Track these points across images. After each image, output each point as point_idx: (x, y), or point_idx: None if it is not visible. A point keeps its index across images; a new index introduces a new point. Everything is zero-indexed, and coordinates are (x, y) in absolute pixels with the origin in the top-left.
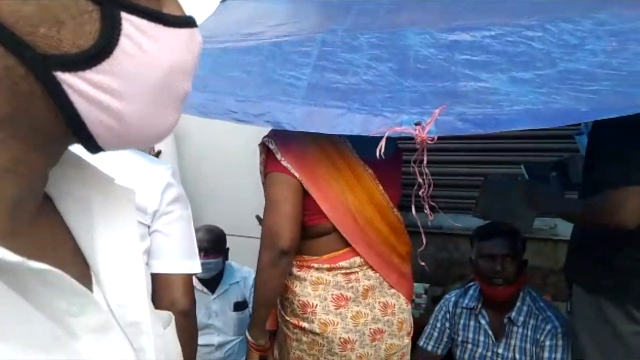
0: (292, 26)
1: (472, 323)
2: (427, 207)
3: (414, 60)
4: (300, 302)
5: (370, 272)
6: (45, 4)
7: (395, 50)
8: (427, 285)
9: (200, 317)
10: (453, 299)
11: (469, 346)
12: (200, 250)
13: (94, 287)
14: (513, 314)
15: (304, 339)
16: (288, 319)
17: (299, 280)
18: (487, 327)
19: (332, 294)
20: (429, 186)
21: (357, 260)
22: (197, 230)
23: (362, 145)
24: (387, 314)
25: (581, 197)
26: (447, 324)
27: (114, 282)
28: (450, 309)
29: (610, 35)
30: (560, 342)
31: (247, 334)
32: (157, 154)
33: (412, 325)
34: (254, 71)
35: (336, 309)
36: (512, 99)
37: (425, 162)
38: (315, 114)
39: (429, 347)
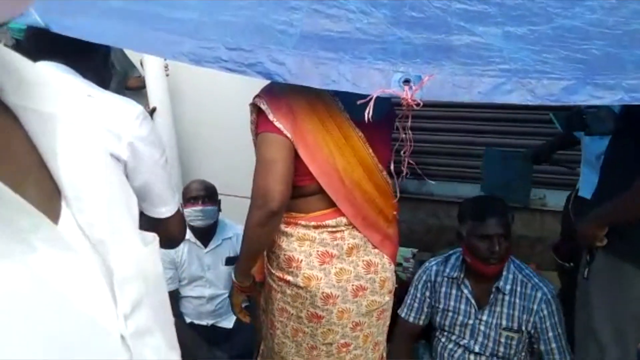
0: None
1: (453, 292)
2: (404, 168)
3: (409, 8)
4: (286, 256)
5: (356, 232)
6: None
7: None
8: (415, 250)
9: (193, 269)
10: (434, 267)
11: (450, 314)
12: (197, 198)
13: (62, 204)
14: (500, 283)
15: (288, 291)
16: (273, 271)
17: (285, 235)
18: (469, 296)
19: (317, 251)
20: (411, 148)
21: (344, 219)
22: (191, 182)
23: (354, 105)
24: (370, 272)
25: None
26: (427, 293)
27: (82, 201)
28: (432, 277)
29: None
30: (554, 307)
31: (232, 276)
32: (152, 111)
33: (394, 284)
34: (246, 14)
35: (320, 264)
36: (503, 56)
37: (409, 124)
38: (307, 65)
39: (410, 319)
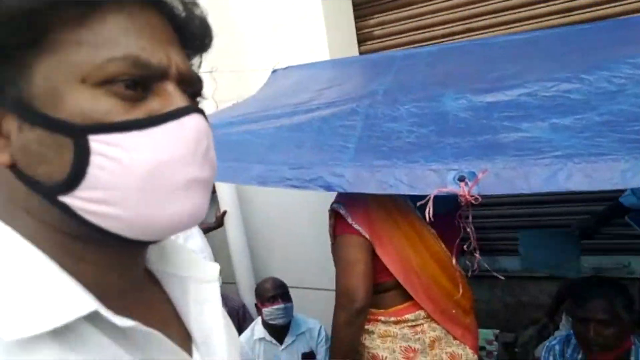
0: (335, 90)
1: None
2: (477, 257)
3: (453, 122)
4: (370, 354)
5: (435, 324)
6: (35, 148)
7: (434, 116)
8: (497, 331)
9: None
10: (557, 347)
11: None
12: (276, 297)
13: (194, 351)
14: None
15: None
16: None
17: (367, 333)
18: None
19: (400, 346)
20: (476, 244)
21: (422, 313)
22: (264, 281)
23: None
24: None
25: None
26: None
27: (208, 346)
28: (558, 358)
29: None
30: None
31: None
32: (223, 214)
33: None
34: (306, 144)
35: None
36: (554, 145)
37: (470, 218)
38: (363, 174)
39: None
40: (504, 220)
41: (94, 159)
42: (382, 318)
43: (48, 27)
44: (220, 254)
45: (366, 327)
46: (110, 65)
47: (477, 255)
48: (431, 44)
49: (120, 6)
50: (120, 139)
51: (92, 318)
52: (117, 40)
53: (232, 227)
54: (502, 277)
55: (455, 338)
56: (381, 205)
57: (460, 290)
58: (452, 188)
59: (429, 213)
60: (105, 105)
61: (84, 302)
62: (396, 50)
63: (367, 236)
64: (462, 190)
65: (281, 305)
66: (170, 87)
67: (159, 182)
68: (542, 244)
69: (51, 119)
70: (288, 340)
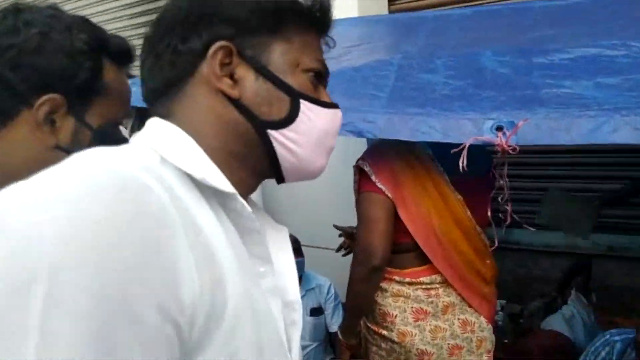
0: (365, 48)
1: None
2: (509, 211)
3: (491, 77)
4: (381, 311)
5: (451, 290)
6: (265, 94)
7: (471, 70)
8: (503, 302)
9: None
10: (619, 345)
11: None
12: None
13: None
14: None
15: (383, 345)
16: (369, 325)
17: (380, 290)
18: None
19: (412, 307)
20: (508, 195)
21: (438, 277)
22: None
23: (453, 168)
24: (466, 331)
25: None
26: None
27: (281, 276)
28: (615, 356)
29: None
30: None
31: (340, 335)
32: None
33: (494, 344)
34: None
35: (415, 321)
36: (599, 102)
37: (506, 169)
38: (396, 121)
39: None
40: (522, 193)
41: (301, 114)
42: (397, 278)
43: (284, 25)
44: None
45: (381, 284)
46: (313, 62)
47: (509, 208)
48: (463, 6)
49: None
50: (316, 108)
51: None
52: (314, 48)
53: None
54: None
55: (470, 306)
56: (408, 166)
57: (483, 259)
58: (488, 137)
59: (462, 163)
60: (306, 84)
61: (229, 185)
62: (427, 12)
63: (390, 195)
64: (499, 139)
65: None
66: (323, 85)
67: (323, 141)
68: (563, 204)
69: (280, 80)
70: None
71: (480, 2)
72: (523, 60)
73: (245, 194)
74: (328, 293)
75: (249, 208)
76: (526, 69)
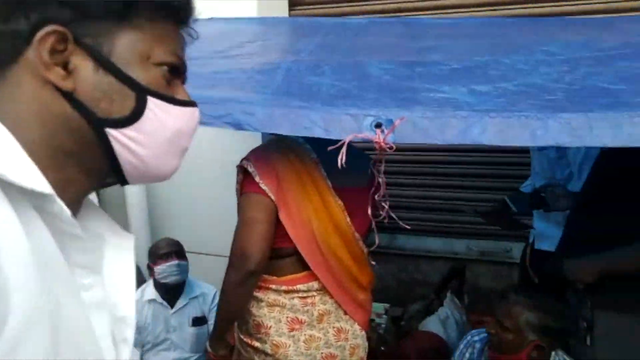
0: (258, 44)
1: None
2: (386, 207)
3: (375, 82)
4: (255, 322)
5: (327, 297)
6: (105, 89)
7: (357, 75)
8: (387, 305)
9: (158, 331)
10: (478, 345)
11: None
12: (170, 254)
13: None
14: None
15: (256, 358)
16: (242, 337)
17: (256, 300)
18: None
19: (287, 317)
20: (386, 194)
21: (315, 284)
22: (158, 240)
23: (336, 174)
24: (340, 339)
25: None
26: None
27: (113, 289)
28: (476, 356)
29: (561, 63)
30: None
31: (207, 346)
32: None
33: (367, 350)
34: (219, 86)
35: (290, 331)
36: (471, 105)
37: (383, 168)
38: (277, 114)
39: None
40: (406, 201)
41: (147, 112)
42: (274, 286)
43: (134, 13)
44: (116, 210)
45: (256, 294)
46: (168, 55)
47: (386, 206)
48: (361, 17)
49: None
50: (167, 106)
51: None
52: (171, 40)
53: (131, 185)
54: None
55: (345, 313)
56: (292, 169)
57: (360, 266)
58: (367, 134)
59: (341, 160)
60: (158, 80)
61: (45, 184)
62: (325, 18)
63: (272, 198)
64: (377, 136)
65: (175, 262)
66: (181, 80)
67: (174, 142)
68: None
69: (124, 74)
70: (180, 303)
71: (379, 14)
72: (406, 70)
73: (76, 195)
74: (213, 302)
75: (67, 211)
76: (409, 77)
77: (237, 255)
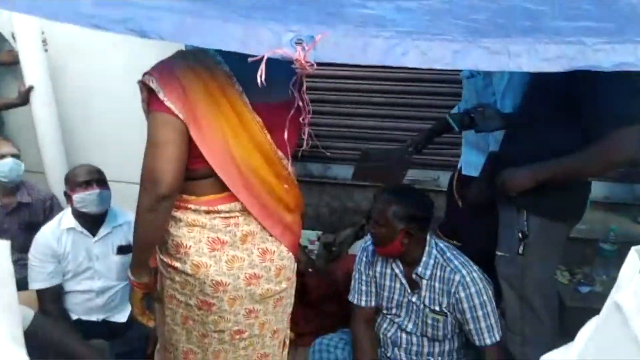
0: None
1: (388, 271)
2: (306, 131)
3: None
4: (174, 242)
5: (252, 218)
6: None
7: None
8: (319, 233)
9: (80, 260)
10: (370, 247)
11: (386, 292)
12: (90, 182)
13: None
14: (419, 269)
15: (177, 278)
16: (162, 257)
17: (174, 220)
18: (400, 275)
19: (208, 237)
20: (310, 117)
21: (238, 205)
22: (76, 167)
23: (253, 88)
24: (265, 260)
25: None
26: (371, 273)
27: None
28: (370, 257)
29: None
30: (473, 290)
31: (129, 274)
32: (28, 91)
33: (293, 272)
34: None
35: (210, 251)
36: (397, 23)
37: (305, 87)
38: (188, 23)
39: (362, 303)
40: (339, 130)
41: None
42: (193, 206)
43: None
44: (25, 137)
45: (174, 214)
46: None
47: (307, 129)
48: None
49: None
50: None
51: None
52: None
53: (40, 106)
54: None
55: (271, 235)
56: (200, 82)
57: (286, 187)
58: (287, 50)
59: (260, 76)
60: None
61: None
62: None
63: (180, 116)
64: (298, 53)
65: (95, 191)
66: None
67: None
68: (380, 159)
69: None
70: (102, 231)
71: None
72: None
73: None
74: None
75: None
76: None
77: (147, 179)
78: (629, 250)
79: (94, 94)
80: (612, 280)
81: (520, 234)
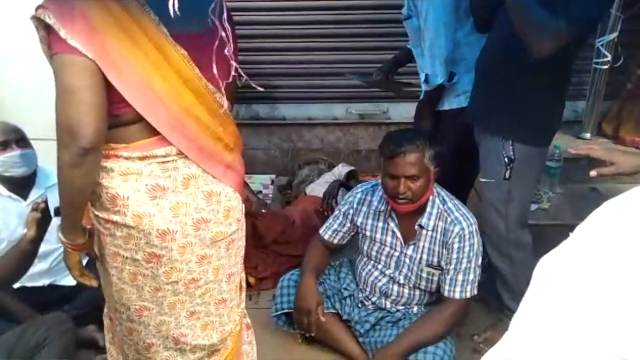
0: None
1: (380, 224)
2: (233, 65)
3: None
4: (109, 194)
5: (192, 161)
6: None
7: None
8: (273, 176)
9: (13, 226)
10: (359, 195)
11: (377, 245)
12: (8, 143)
13: None
14: (423, 220)
15: (118, 233)
16: (98, 213)
17: (105, 171)
18: (396, 229)
19: (147, 185)
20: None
21: (175, 149)
22: None
23: (169, 17)
24: (211, 203)
25: None
26: (348, 221)
27: None
28: (354, 205)
29: None
30: (467, 243)
31: (60, 235)
32: None
33: (242, 212)
34: None
35: (152, 200)
36: None
37: (226, 15)
38: None
39: (326, 236)
40: (283, 68)
41: None
42: (124, 153)
43: None
44: None
45: (104, 163)
46: None
47: (234, 63)
48: None
49: None
50: None
51: None
52: None
53: None
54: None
55: (214, 177)
56: (110, 14)
57: (221, 129)
58: None
59: (173, 6)
60: None
61: None
62: None
63: (90, 55)
64: None
65: (16, 152)
66: None
67: None
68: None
69: None
70: (34, 194)
71: None
72: None
73: None
74: None
75: None
76: None
77: (63, 132)
78: (572, 165)
79: (22, 38)
80: (558, 196)
81: (506, 159)
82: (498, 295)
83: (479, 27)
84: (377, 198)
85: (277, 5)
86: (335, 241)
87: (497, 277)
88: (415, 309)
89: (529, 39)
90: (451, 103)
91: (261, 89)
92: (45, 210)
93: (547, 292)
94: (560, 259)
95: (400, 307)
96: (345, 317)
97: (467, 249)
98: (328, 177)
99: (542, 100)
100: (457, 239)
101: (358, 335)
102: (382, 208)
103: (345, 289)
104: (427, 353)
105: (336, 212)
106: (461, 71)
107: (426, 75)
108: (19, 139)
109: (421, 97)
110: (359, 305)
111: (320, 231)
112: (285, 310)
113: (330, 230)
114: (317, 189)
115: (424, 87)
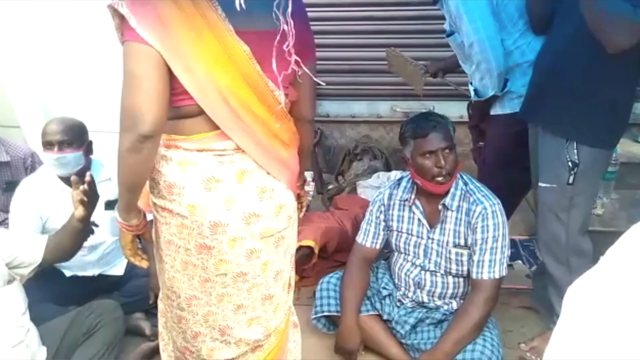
0: None
1: (406, 214)
2: (292, 54)
3: None
4: (167, 182)
5: (248, 156)
6: None
7: None
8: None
9: (66, 219)
10: (387, 191)
11: (404, 235)
12: (51, 144)
13: None
14: (447, 199)
15: (173, 222)
16: (155, 200)
17: (165, 159)
18: (421, 216)
19: (202, 176)
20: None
21: (232, 143)
22: (49, 121)
23: (237, 13)
24: (264, 198)
25: None
26: (382, 217)
27: None
28: (385, 201)
29: None
30: (490, 222)
31: (117, 214)
32: None
33: (295, 210)
34: None
35: (206, 191)
36: None
37: (290, 10)
38: None
39: (367, 244)
40: (330, 64)
41: None
42: (184, 145)
43: None
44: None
45: (164, 152)
46: None
47: (293, 53)
48: None
49: None
50: None
51: None
52: None
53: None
54: None
55: (268, 173)
56: (179, 8)
57: (279, 125)
58: None
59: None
60: None
61: None
62: None
63: (156, 46)
64: None
65: (54, 156)
66: None
67: None
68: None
69: None
70: None
71: None
72: None
73: None
74: None
75: None
76: None
77: (125, 116)
78: (629, 170)
79: (74, 33)
80: (613, 202)
81: (570, 163)
82: (548, 304)
83: (538, 29)
84: (402, 189)
85: (324, 2)
86: (377, 246)
87: (549, 285)
88: (454, 304)
89: (603, 32)
90: (504, 108)
91: (323, 84)
92: (92, 187)
93: (578, 324)
94: (591, 286)
95: (438, 302)
96: (385, 317)
97: (491, 228)
98: (382, 179)
99: (610, 99)
100: (480, 218)
101: (399, 337)
102: (407, 197)
103: (384, 288)
104: (474, 351)
105: (367, 217)
106: (516, 76)
107: (475, 90)
108: (63, 142)
109: (471, 98)
110: (398, 304)
111: (359, 240)
112: (325, 314)
113: (370, 236)
114: (369, 191)
115: (474, 98)
